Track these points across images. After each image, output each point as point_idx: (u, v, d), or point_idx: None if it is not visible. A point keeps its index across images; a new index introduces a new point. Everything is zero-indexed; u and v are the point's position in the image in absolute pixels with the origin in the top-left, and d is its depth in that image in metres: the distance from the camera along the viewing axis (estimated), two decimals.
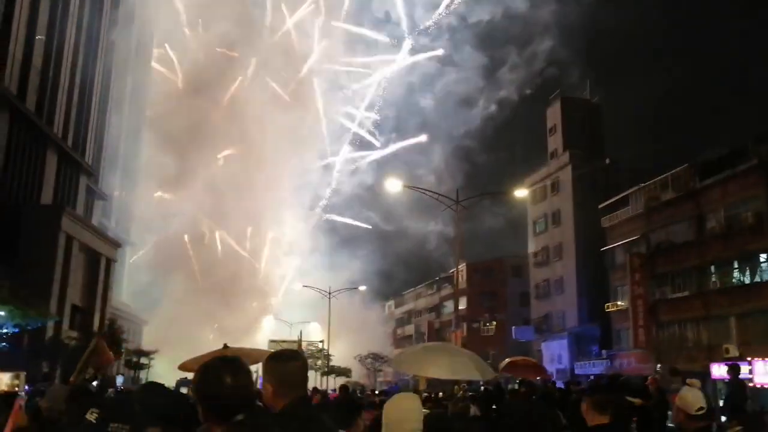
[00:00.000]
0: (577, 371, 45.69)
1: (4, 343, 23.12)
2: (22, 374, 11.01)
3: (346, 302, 65.39)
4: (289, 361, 3.07)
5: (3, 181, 40.50)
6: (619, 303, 43.84)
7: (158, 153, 68.62)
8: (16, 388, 10.90)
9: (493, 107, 76.05)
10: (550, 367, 50.28)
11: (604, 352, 44.69)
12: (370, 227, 78.51)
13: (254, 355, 9.90)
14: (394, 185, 26.53)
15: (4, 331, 22.39)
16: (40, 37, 45.03)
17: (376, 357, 47.70)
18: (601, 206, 45.92)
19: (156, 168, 69.13)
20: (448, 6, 71.89)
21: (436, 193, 27.66)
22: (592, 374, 42.78)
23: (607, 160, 54.17)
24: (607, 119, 62.41)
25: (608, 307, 44.43)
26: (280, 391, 2.96)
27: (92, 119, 55.76)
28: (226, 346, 10.47)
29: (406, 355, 9.69)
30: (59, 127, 48.67)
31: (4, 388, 10.70)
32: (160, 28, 70.66)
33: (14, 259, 37.94)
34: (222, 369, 2.70)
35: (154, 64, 73.18)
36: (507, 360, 15.05)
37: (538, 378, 15.64)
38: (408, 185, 27.43)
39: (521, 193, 28.59)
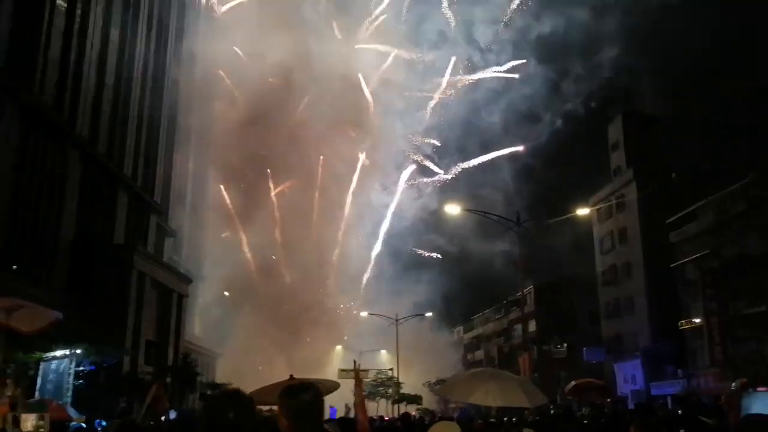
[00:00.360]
0: (653, 392, 44.16)
1: (80, 381, 24.00)
2: (47, 415, 11.31)
3: (414, 329, 65.29)
4: (300, 394, 3.14)
5: (77, 221, 42.34)
6: (693, 320, 42.26)
7: (223, 187, 70.47)
8: (41, 430, 11.22)
9: (558, 121, 74.80)
10: (625, 388, 48.79)
11: (680, 371, 43.05)
12: (438, 256, 77.94)
13: (319, 384, 9.99)
14: (453, 209, 26.49)
15: (81, 368, 23.27)
16: (108, 82, 47.26)
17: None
18: (668, 221, 44.59)
19: (221, 202, 70.93)
20: (507, 20, 71.37)
21: (496, 215, 27.47)
22: (668, 394, 41.26)
23: (673, 175, 52.72)
24: (672, 132, 60.57)
25: (682, 325, 42.89)
26: (293, 424, 3.03)
27: (160, 157, 57.89)
28: (292, 377, 10.57)
29: (452, 382, 9.66)
30: (129, 168, 50.69)
31: (30, 429, 11.05)
32: (220, 60, 72.59)
33: (89, 297, 39.41)
34: (225, 404, 2.79)
35: (216, 98, 75.18)
36: (572, 383, 14.74)
37: (608, 400, 15.24)
38: (467, 208, 27.37)
39: (583, 212, 28.10)
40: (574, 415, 15.01)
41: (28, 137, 36.88)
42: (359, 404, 6.29)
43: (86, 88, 43.78)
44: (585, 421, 11.68)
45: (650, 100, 59.45)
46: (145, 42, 54.90)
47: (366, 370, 57.90)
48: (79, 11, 42.84)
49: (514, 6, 71.09)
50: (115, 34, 48.57)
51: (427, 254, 78.36)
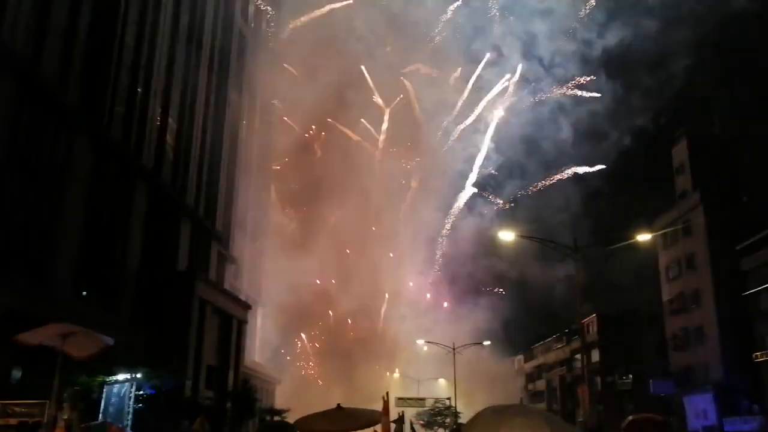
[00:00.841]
0: (726, 428, 42.08)
1: (140, 404, 24.48)
2: None
3: (473, 357, 64.27)
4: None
5: (143, 249, 43.59)
6: None
7: (282, 213, 71.37)
8: None
9: (626, 139, 72.20)
10: (695, 424, 46.67)
11: (755, 406, 40.91)
12: (502, 291, 76.47)
13: (365, 415, 10.01)
14: (507, 236, 26.07)
15: (141, 392, 23.77)
16: (173, 114, 48.90)
17: None
18: (739, 248, 42.83)
19: (280, 228, 71.79)
20: (570, 33, 69.94)
21: (553, 242, 26.88)
22: (743, 431, 39.32)
23: (744, 199, 50.78)
24: (743, 154, 58.37)
25: (757, 357, 40.86)
26: None
27: (221, 186, 59.35)
28: (339, 407, 10.60)
29: (476, 420, 9.40)
30: (192, 197, 52.07)
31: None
32: (277, 86, 73.71)
33: (154, 323, 40.41)
34: None
35: (273, 125, 76.42)
36: (629, 418, 14.05)
37: None
38: (521, 235, 26.85)
39: (644, 237, 27.22)
40: None
41: (97, 169, 38.35)
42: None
43: (151, 121, 45.42)
44: None
45: (720, 120, 57.33)
46: (207, 73, 56.69)
47: (423, 399, 57.29)
48: (146, 47, 44.65)
49: (578, 17, 69.26)
50: (179, 67, 50.32)
51: (489, 289, 76.77)
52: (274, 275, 72.78)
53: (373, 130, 73.94)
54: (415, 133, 75.85)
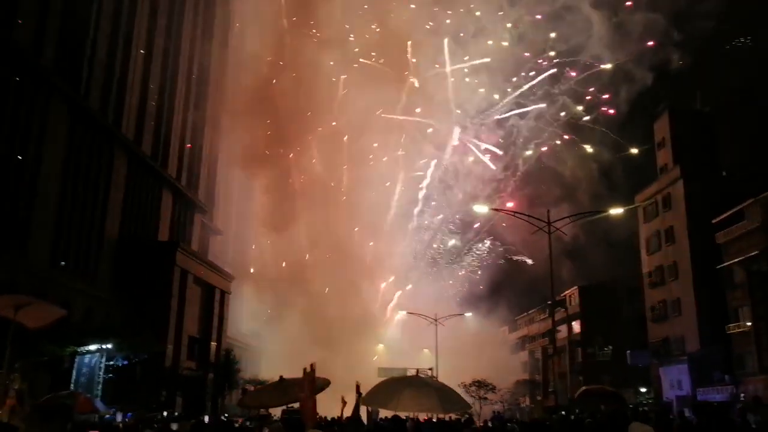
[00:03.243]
0: (699, 398, 42.79)
1: (111, 375, 24.62)
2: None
3: (457, 328, 64.75)
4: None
5: (122, 220, 43.54)
6: (741, 324, 40.83)
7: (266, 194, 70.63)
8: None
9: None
10: (670, 394, 47.38)
11: (727, 377, 41.62)
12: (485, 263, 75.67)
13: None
14: (481, 208, 26.22)
15: (111, 363, 23.88)
16: (154, 83, 48.40)
17: (480, 384, 46.66)
18: (714, 221, 43.19)
19: (265, 205, 71.23)
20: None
21: (526, 215, 27.06)
22: (715, 401, 40.01)
23: (724, 173, 51.04)
24: (723, 129, 58.32)
25: (729, 329, 41.46)
26: None
27: (204, 157, 59.05)
28: (281, 379, 10.62)
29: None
30: (173, 168, 51.87)
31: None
32: (265, 48, 71.96)
33: (133, 293, 40.51)
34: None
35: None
36: (582, 388, 14.40)
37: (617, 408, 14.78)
38: (495, 208, 26.99)
39: (616, 211, 27.43)
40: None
41: (74, 137, 38.12)
42: (302, 403, 6.32)
43: (132, 89, 45.01)
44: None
45: (701, 95, 57.25)
46: (190, 38, 55.86)
47: (404, 369, 57.85)
48: (125, 13, 44.02)
49: None
50: (160, 32, 49.59)
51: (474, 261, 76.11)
52: (260, 249, 72.79)
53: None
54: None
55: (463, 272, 76.01)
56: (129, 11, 44.59)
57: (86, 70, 39.29)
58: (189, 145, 54.99)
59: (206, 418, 22.59)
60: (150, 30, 47.70)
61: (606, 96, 66.64)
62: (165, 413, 20.53)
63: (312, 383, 7.91)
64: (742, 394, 38.37)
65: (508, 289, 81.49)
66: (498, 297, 77.25)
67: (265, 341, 67.70)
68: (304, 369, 8.18)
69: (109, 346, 22.83)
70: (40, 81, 34.58)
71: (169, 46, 51.27)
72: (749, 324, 39.69)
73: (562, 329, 72.08)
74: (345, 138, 70.30)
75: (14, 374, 10.31)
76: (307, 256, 71.97)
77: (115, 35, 42.83)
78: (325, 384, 10.12)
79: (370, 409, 10.21)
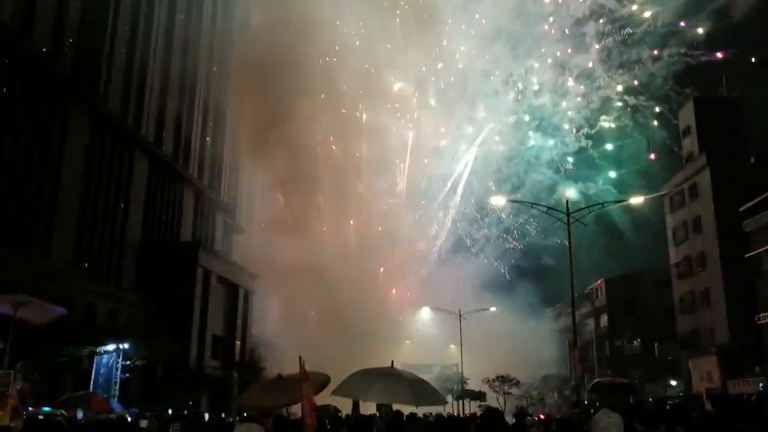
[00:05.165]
0: (730, 390, 41.86)
1: (128, 374, 24.77)
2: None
3: (484, 323, 64.30)
4: None
5: (145, 221, 43.91)
6: None
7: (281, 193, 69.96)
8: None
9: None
10: (700, 387, 46.47)
11: (758, 368, 40.65)
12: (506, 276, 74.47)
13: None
14: (498, 200, 25.88)
15: (128, 363, 24.02)
16: (173, 84, 48.61)
17: (504, 379, 46.31)
18: (741, 209, 42.20)
19: (278, 206, 70.52)
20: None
21: (545, 206, 26.64)
22: (745, 394, 39.08)
23: (752, 159, 49.88)
24: (751, 114, 56.80)
25: (759, 320, 40.48)
26: None
27: (226, 156, 59.25)
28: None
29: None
30: (194, 168, 52.17)
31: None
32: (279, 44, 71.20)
33: (157, 293, 40.85)
34: None
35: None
36: (596, 380, 14.05)
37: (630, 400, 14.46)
38: (513, 199, 26.63)
39: (637, 200, 26.85)
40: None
41: (95, 140, 38.52)
42: (304, 403, 6.17)
43: (151, 91, 45.32)
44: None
45: (726, 81, 55.91)
46: (209, 39, 55.89)
47: (430, 365, 57.65)
48: (143, 13, 44.31)
49: None
50: (179, 34, 49.82)
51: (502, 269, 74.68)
52: (282, 244, 72.77)
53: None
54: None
55: (495, 262, 74.70)
56: (147, 11, 44.86)
57: (105, 74, 39.64)
58: (208, 139, 55.00)
59: (206, 416, 22.47)
60: (168, 29, 47.96)
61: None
62: (170, 411, 20.60)
63: (305, 380, 7.68)
64: (760, 383, 37.53)
65: (538, 280, 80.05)
66: (527, 288, 75.87)
67: (290, 340, 67.83)
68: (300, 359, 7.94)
69: (126, 346, 22.97)
70: (60, 86, 34.98)
71: (189, 44, 51.46)
72: None
73: (589, 322, 71.32)
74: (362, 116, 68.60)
75: (17, 374, 10.32)
76: (331, 254, 71.87)
77: (133, 37, 43.17)
78: (324, 381, 9.70)
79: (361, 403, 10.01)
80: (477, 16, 66.30)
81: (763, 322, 40.20)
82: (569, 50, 63.77)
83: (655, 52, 59.66)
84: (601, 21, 60.81)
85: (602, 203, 27.66)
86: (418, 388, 8.47)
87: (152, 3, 45.74)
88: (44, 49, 34.15)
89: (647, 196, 31.83)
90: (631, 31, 59.69)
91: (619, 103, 63.04)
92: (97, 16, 38.78)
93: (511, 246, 72.94)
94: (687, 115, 53.61)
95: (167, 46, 48.27)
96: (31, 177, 33.27)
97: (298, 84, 65.58)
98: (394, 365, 9.64)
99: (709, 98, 53.78)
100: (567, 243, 25.10)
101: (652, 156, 61.10)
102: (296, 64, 63.79)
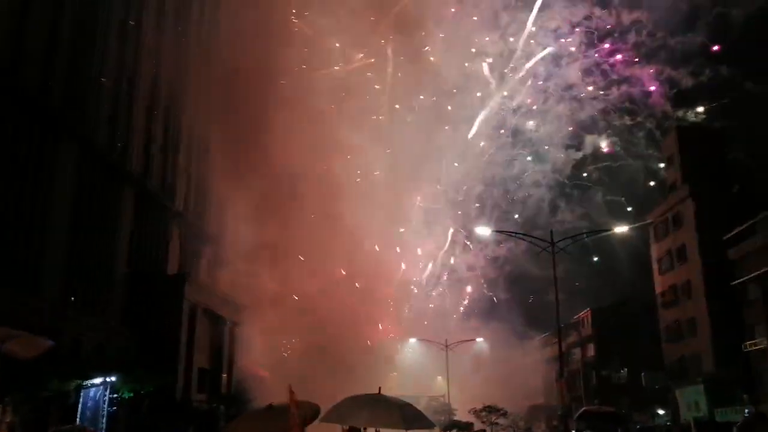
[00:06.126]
0: (717, 419, 41.98)
1: (115, 408, 24.48)
2: None
3: (470, 354, 64.21)
4: None
5: (131, 254, 43.70)
6: (758, 342, 40.19)
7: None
8: None
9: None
10: (688, 416, 46.55)
11: (746, 396, 40.85)
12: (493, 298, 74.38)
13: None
14: (483, 231, 26.11)
15: (115, 396, 23.76)
16: (160, 115, 48.77)
17: (491, 409, 46.14)
18: (725, 237, 42.78)
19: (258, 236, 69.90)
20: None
21: (529, 236, 26.92)
22: (733, 422, 39.20)
23: (735, 188, 50.68)
24: (736, 144, 57.73)
25: (746, 347, 40.80)
26: None
27: (214, 188, 59.13)
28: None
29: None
30: (181, 200, 52.14)
31: None
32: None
33: (143, 326, 40.50)
34: None
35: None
36: (583, 408, 14.14)
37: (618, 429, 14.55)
38: (498, 230, 26.88)
39: (621, 229, 27.23)
40: None
41: (82, 173, 38.46)
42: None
43: (138, 123, 45.44)
44: None
45: (708, 111, 56.95)
46: (198, 69, 56.03)
47: (421, 396, 57.34)
48: (131, 48, 44.62)
49: None
50: (166, 70, 50.08)
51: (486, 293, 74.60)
52: (268, 275, 72.41)
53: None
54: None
55: (485, 291, 74.71)
56: (135, 46, 45.19)
57: (93, 107, 39.75)
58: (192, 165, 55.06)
59: None
60: (156, 64, 48.26)
61: None
62: None
63: (296, 409, 7.74)
64: (746, 411, 37.66)
65: (524, 310, 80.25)
66: (515, 317, 75.98)
67: (276, 372, 67.21)
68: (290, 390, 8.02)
69: (113, 379, 22.75)
70: (48, 119, 35.05)
71: (176, 78, 51.61)
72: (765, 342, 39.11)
73: (576, 351, 71.36)
74: None
75: (6, 407, 10.25)
76: (316, 284, 71.52)
77: (120, 70, 43.41)
78: (315, 411, 9.73)
79: (346, 428, 9.99)
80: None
81: (751, 349, 40.54)
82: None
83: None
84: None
85: (585, 233, 28.03)
86: (407, 412, 8.65)
87: (139, 36, 46.04)
88: (33, 85, 34.22)
89: (631, 226, 32.27)
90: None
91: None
92: (87, 51, 39.04)
93: (498, 275, 73.41)
94: (670, 145, 54.52)
95: (155, 78, 48.52)
96: (18, 209, 33.13)
97: (282, 115, 65.74)
98: (291, 390, 9.63)
99: (691, 127, 54.81)
100: (553, 272, 25.38)
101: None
102: (279, 96, 63.99)
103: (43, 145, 34.78)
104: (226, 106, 63.61)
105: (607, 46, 60.34)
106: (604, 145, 62.29)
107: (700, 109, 55.97)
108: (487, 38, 65.81)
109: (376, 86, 69.00)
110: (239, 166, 63.83)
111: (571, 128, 64.10)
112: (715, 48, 55.00)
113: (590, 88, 61.84)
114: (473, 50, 66.65)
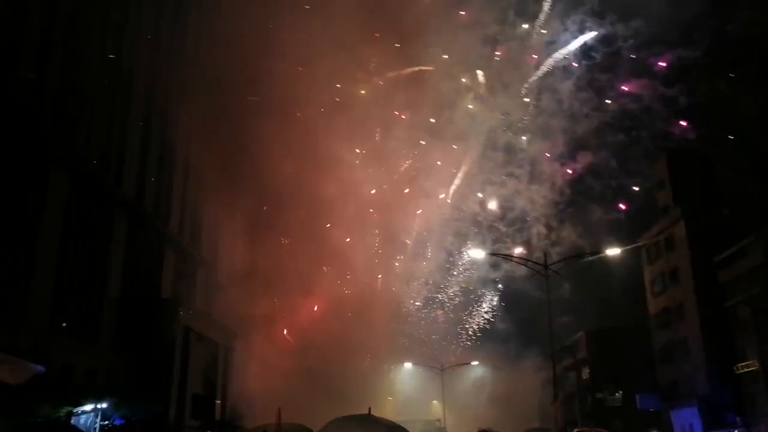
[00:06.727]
0: None
1: None
2: None
3: (466, 378, 63.99)
4: None
5: (124, 278, 43.53)
6: (750, 363, 40.23)
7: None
8: None
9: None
10: None
11: (739, 419, 40.82)
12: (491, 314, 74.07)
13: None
14: (477, 253, 26.22)
15: (106, 423, 23.60)
16: (154, 140, 48.88)
17: None
18: (716, 260, 43.01)
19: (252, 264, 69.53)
20: None
21: (524, 259, 27.05)
22: None
23: (725, 212, 51.05)
24: (725, 165, 58.15)
25: (738, 369, 40.84)
26: None
27: (207, 212, 59.20)
28: (268, 425, 10.43)
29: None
30: (175, 223, 52.12)
31: None
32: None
33: (136, 352, 40.28)
34: None
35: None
36: (576, 430, 14.15)
37: None
38: (491, 253, 27.01)
39: (613, 252, 27.41)
40: None
41: (73, 197, 38.39)
42: None
43: (132, 147, 45.46)
44: None
45: (698, 134, 57.39)
46: (191, 92, 56.21)
47: (413, 421, 57.06)
48: (124, 71, 44.75)
49: None
50: (159, 91, 50.28)
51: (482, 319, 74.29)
52: (263, 300, 72.19)
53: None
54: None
55: (484, 314, 74.40)
56: (127, 68, 45.37)
57: (85, 130, 39.83)
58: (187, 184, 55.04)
59: None
60: (149, 87, 48.45)
61: None
62: None
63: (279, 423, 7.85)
64: None
65: (521, 332, 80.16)
66: (511, 340, 75.97)
67: (270, 397, 66.75)
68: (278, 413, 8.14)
69: (105, 405, 22.62)
70: (39, 142, 35.05)
71: (169, 101, 51.91)
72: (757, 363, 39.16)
73: (571, 375, 71.10)
74: None
75: None
76: (316, 307, 71.37)
77: (113, 94, 43.57)
78: None
79: None
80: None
81: (743, 371, 40.57)
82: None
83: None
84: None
85: (576, 255, 28.17)
86: None
87: (132, 58, 46.23)
88: (23, 106, 34.29)
89: (623, 248, 32.45)
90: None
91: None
92: (79, 75, 39.20)
93: (493, 298, 73.32)
94: (660, 169, 54.94)
95: (149, 101, 48.69)
96: (8, 233, 33.04)
97: (271, 132, 65.62)
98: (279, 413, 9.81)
99: (681, 151, 55.29)
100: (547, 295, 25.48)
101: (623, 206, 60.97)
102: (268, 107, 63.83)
103: (33, 167, 34.72)
104: (218, 127, 63.99)
105: (602, 61, 60.82)
106: (599, 161, 62.66)
107: (692, 127, 56.17)
108: (481, 53, 66.43)
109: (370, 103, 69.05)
110: (233, 186, 64.00)
111: (566, 145, 64.44)
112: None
113: (584, 105, 62.24)
114: (468, 65, 67.09)
